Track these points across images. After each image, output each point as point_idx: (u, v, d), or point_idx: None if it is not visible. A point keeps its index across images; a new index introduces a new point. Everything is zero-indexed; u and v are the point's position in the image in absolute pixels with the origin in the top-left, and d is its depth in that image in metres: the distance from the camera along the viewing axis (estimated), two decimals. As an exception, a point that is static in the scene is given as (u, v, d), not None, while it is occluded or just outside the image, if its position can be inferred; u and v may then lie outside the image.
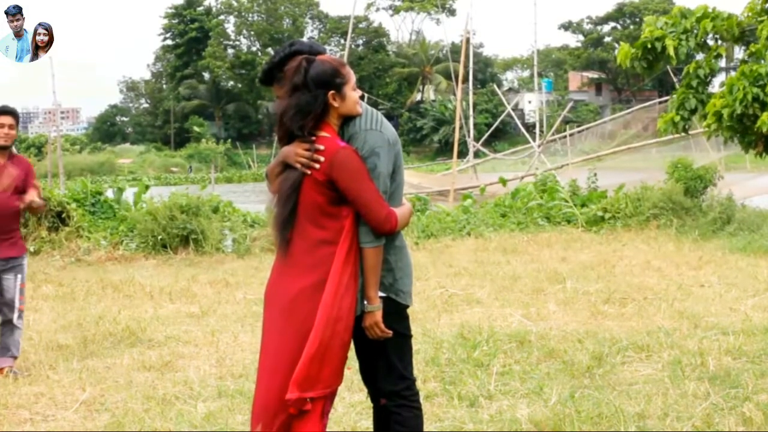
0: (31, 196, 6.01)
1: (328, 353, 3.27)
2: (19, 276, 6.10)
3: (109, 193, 16.41)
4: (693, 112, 9.98)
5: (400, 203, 3.46)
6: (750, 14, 9.79)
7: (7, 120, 5.96)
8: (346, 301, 3.29)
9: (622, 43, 9.67)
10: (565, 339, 6.54)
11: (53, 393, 5.53)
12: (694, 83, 9.83)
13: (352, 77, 3.36)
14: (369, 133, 3.36)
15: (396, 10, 76.53)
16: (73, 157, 55.20)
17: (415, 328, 3.61)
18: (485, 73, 73.99)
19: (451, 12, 74.69)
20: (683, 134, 10.51)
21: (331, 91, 3.30)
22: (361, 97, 3.43)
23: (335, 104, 3.32)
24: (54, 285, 9.95)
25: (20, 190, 6.02)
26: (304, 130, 3.30)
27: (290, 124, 3.32)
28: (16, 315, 6.05)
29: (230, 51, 75.54)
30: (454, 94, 33.30)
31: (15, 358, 6.08)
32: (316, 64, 3.30)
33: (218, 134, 70.86)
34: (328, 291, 3.25)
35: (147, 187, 16.82)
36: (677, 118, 10.20)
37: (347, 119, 3.39)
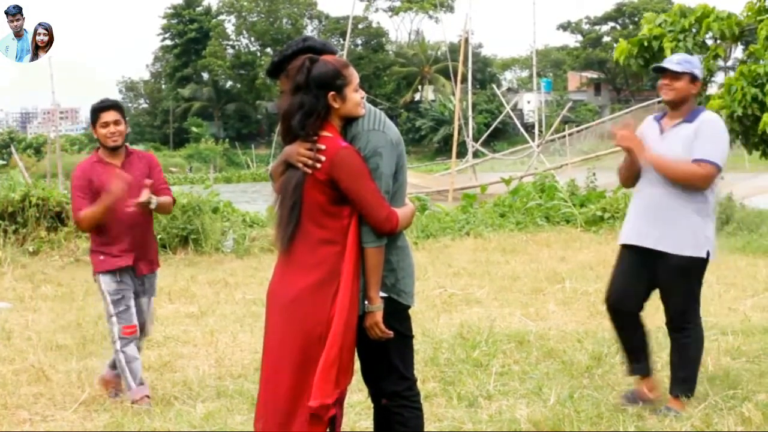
0: (144, 197, 5.04)
1: (342, 356, 3.29)
2: (152, 299, 5.40)
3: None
4: None
5: (403, 203, 3.46)
6: (749, 14, 9.81)
7: (111, 116, 5.13)
8: (351, 301, 3.30)
9: (620, 39, 9.66)
10: (564, 339, 6.55)
11: (52, 393, 5.52)
12: (693, 84, 9.83)
13: (355, 79, 3.36)
14: (372, 134, 3.36)
15: (395, 11, 76.56)
16: (72, 157, 55.04)
17: (414, 328, 3.60)
18: (484, 73, 74.00)
19: (450, 8, 74.66)
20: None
21: (332, 93, 3.30)
22: (363, 98, 3.43)
23: (335, 105, 3.32)
24: (53, 285, 9.95)
25: (151, 190, 5.13)
26: (306, 131, 3.30)
27: (293, 124, 3.32)
28: (143, 342, 5.46)
29: (230, 51, 75.56)
30: (454, 94, 33.32)
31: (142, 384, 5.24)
32: (319, 64, 3.30)
33: (217, 134, 70.87)
34: (343, 297, 3.25)
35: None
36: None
37: (350, 119, 3.39)
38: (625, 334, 4.93)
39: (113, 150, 5.18)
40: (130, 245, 5.12)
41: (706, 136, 4.63)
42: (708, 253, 4.71)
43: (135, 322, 5.15)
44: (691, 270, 4.72)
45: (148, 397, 5.16)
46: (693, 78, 4.71)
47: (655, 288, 4.83)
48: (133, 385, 5.13)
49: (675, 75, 4.70)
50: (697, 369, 4.84)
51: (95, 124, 5.17)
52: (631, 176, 4.89)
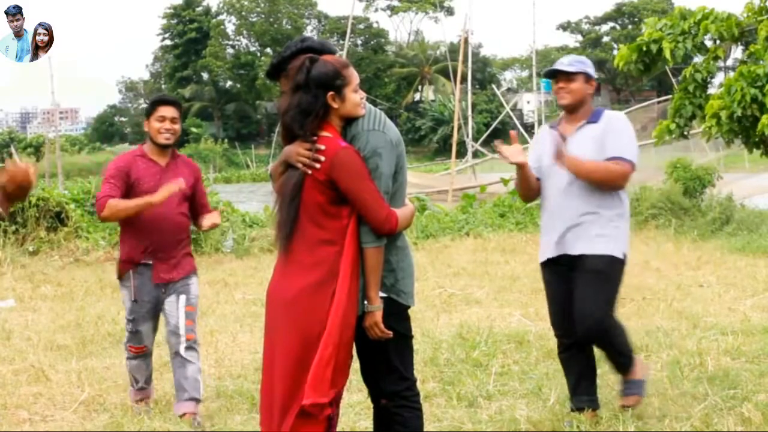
0: (211, 220, 4.98)
1: (338, 355, 3.28)
2: (183, 297, 4.88)
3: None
4: (691, 118, 9.99)
5: (403, 204, 3.46)
6: (749, 14, 9.81)
7: (169, 112, 4.81)
8: (350, 301, 3.29)
9: (621, 46, 9.68)
10: (564, 339, 6.54)
11: (52, 393, 5.52)
12: (691, 87, 9.84)
13: (355, 79, 3.36)
14: (371, 134, 3.36)
15: (395, 11, 76.56)
16: (71, 158, 55.15)
17: (413, 329, 3.60)
18: (484, 73, 73.98)
19: (449, 11, 74.71)
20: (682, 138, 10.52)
21: (331, 93, 3.30)
22: (363, 98, 3.43)
23: (335, 105, 3.32)
24: (53, 285, 9.94)
25: (187, 197, 4.89)
26: (305, 131, 3.30)
27: (291, 123, 3.32)
28: (183, 346, 4.87)
29: (230, 51, 75.57)
30: (453, 94, 33.34)
31: (196, 401, 4.88)
32: (319, 64, 3.30)
33: (217, 134, 70.84)
34: (339, 296, 3.25)
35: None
36: (672, 126, 10.22)
37: (350, 120, 3.39)
38: (572, 366, 4.65)
39: (162, 148, 4.83)
40: (151, 250, 4.81)
41: (618, 133, 4.46)
42: (624, 255, 4.49)
43: (144, 344, 5.00)
44: (608, 271, 4.43)
45: (142, 400, 5.13)
46: (587, 77, 4.53)
47: None
48: (132, 390, 5.17)
49: (569, 76, 4.50)
50: (630, 353, 4.64)
51: (150, 116, 4.81)
52: (531, 190, 4.62)
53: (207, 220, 5.02)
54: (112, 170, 4.80)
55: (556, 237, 4.47)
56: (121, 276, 4.92)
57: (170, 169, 4.84)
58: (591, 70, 4.58)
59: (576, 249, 4.42)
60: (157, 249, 4.80)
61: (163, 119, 4.77)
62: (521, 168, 4.50)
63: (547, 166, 4.50)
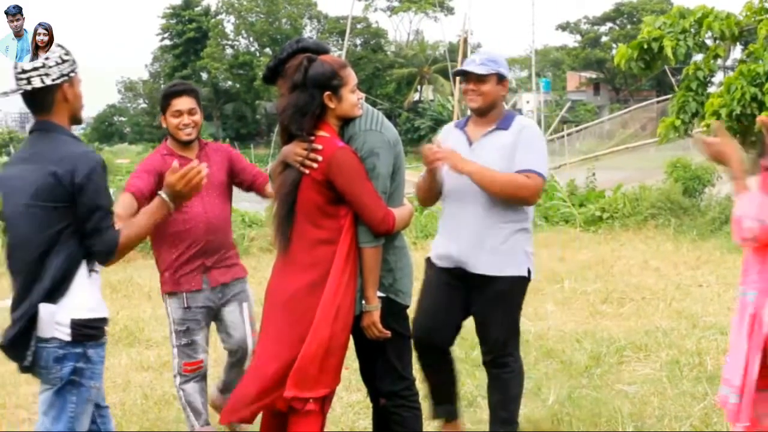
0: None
1: (327, 354, 3.27)
2: (245, 305, 4.47)
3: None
4: (694, 115, 10.00)
5: (401, 204, 3.47)
6: (748, 13, 9.83)
7: (185, 103, 4.26)
8: (345, 301, 3.29)
9: (620, 44, 9.69)
10: (563, 339, 6.55)
11: (52, 393, 5.52)
12: (694, 85, 9.86)
13: (352, 79, 3.37)
14: (368, 134, 3.37)
15: (394, 11, 76.58)
16: (71, 157, 55.04)
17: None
18: (483, 73, 73.93)
19: (449, 10, 74.74)
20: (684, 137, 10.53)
21: (328, 93, 3.31)
22: (361, 99, 3.44)
23: (331, 106, 3.33)
24: (52, 285, 9.93)
25: (226, 186, 4.41)
26: (301, 130, 3.31)
27: (288, 123, 3.33)
28: (248, 360, 4.40)
29: (229, 51, 75.58)
30: (452, 94, 33.41)
31: None
32: (316, 64, 3.30)
33: (216, 134, 70.82)
34: (328, 291, 3.26)
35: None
36: (678, 122, 10.23)
37: (348, 120, 3.39)
38: (432, 372, 4.24)
39: (187, 144, 4.33)
40: (202, 254, 4.29)
41: (529, 145, 3.99)
42: (529, 271, 4.08)
43: (200, 357, 4.45)
44: (514, 292, 4.07)
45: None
46: (500, 78, 4.04)
47: (467, 318, 4.17)
48: (197, 425, 4.44)
49: (480, 78, 4.01)
50: (519, 406, 4.21)
51: (165, 111, 4.30)
52: (432, 194, 4.18)
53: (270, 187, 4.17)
54: (142, 167, 4.28)
55: (455, 248, 4.04)
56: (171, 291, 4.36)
57: (201, 161, 4.21)
58: (505, 69, 4.09)
59: (478, 267, 4.00)
60: (209, 250, 4.30)
61: (179, 114, 4.26)
62: (432, 170, 4.03)
63: (450, 169, 3.99)
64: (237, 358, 4.48)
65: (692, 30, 9.71)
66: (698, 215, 14.11)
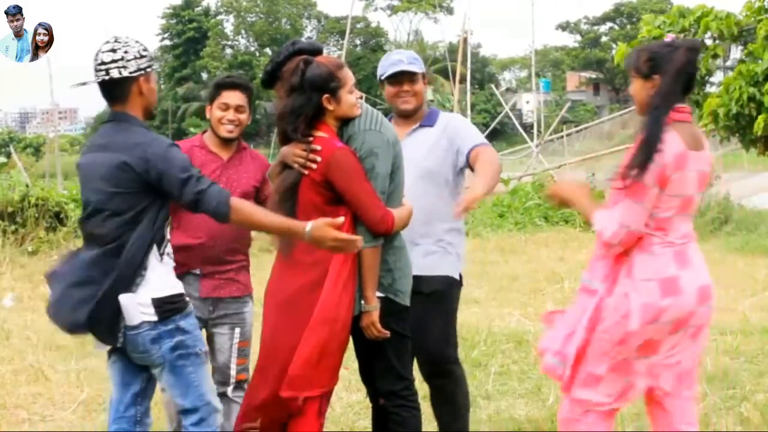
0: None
1: (324, 353, 3.27)
2: (237, 330, 4.05)
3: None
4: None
5: (400, 204, 3.47)
6: (748, 13, 9.83)
7: (235, 98, 4.02)
8: (344, 301, 3.29)
9: (619, 43, 9.70)
10: (563, 339, 6.54)
11: (51, 393, 5.53)
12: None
13: (350, 80, 3.37)
14: (368, 134, 3.37)
15: (394, 10, 76.57)
16: (71, 158, 54.89)
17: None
18: (483, 72, 73.99)
19: (449, 11, 74.74)
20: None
21: (326, 95, 3.31)
22: (360, 98, 3.44)
23: (330, 107, 3.33)
24: (52, 285, 9.93)
25: (251, 198, 3.91)
26: (297, 132, 3.31)
27: (284, 125, 3.34)
28: (231, 387, 4.07)
29: (228, 51, 75.58)
30: (452, 94, 33.40)
31: None
32: (313, 66, 3.30)
33: (216, 134, 70.83)
34: (326, 290, 3.26)
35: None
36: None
37: (347, 120, 3.40)
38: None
39: (225, 141, 4.06)
40: (200, 258, 3.92)
41: (463, 127, 3.95)
42: (461, 276, 3.96)
43: None
44: (450, 293, 3.92)
45: None
46: (424, 76, 3.95)
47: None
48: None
49: (414, 77, 3.90)
50: (468, 416, 4.03)
51: (213, 101, 4.07)
52: None
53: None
54: None
55: None
56: None
57: (232, 165, 4.03)
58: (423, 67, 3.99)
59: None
60: (206, 257, 3.94)
61: (226, 107, 4.00)
62: None
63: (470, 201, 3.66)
64: (216, 381, 3.94)
65: (691, 29, 9.70)
66: (697, 215, 14.10)
